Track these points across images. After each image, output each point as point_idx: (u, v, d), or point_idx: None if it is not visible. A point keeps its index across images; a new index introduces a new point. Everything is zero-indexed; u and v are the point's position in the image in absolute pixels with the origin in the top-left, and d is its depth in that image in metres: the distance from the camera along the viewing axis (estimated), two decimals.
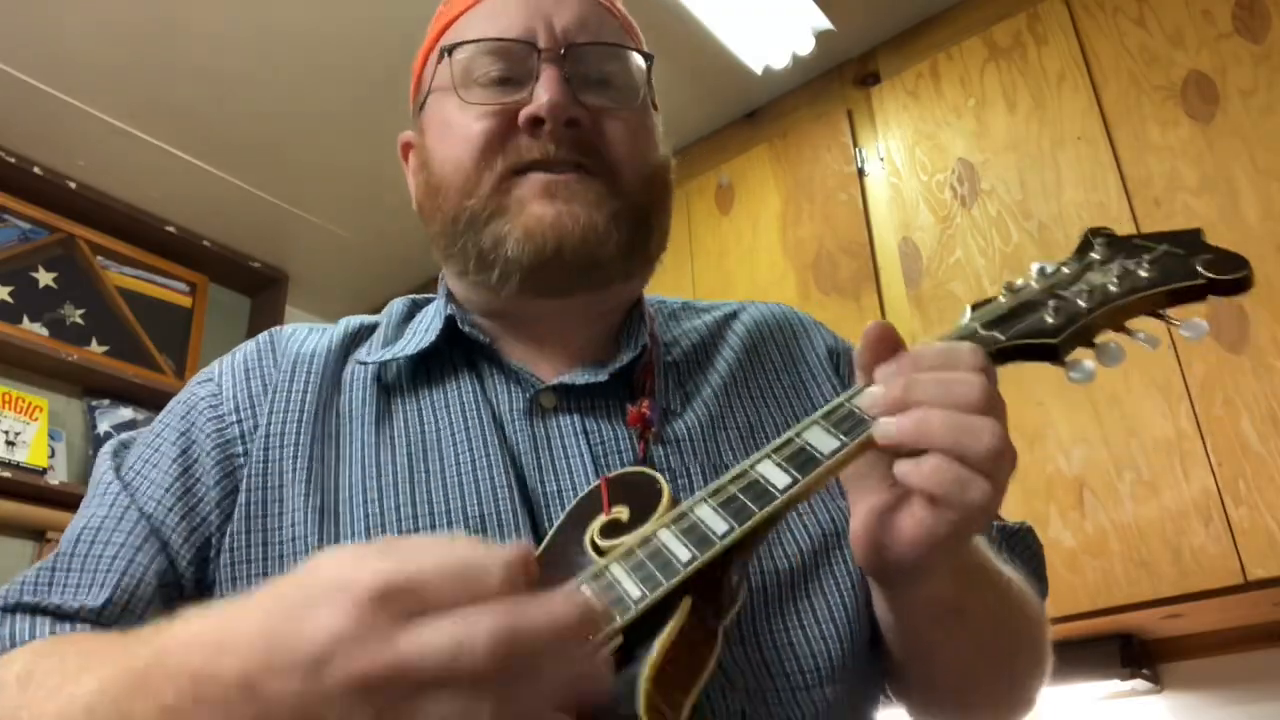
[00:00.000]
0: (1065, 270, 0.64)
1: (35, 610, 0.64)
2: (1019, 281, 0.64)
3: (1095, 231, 0.66)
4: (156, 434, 0.73)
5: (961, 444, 0.52)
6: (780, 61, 2.23)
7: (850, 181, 2.10)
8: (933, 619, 0.64)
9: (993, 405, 0.53)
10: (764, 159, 2.28)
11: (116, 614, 0.64)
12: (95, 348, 2.56)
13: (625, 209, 0.71)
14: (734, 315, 0.85)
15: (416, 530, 0.65)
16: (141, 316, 2.68)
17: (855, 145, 2.13)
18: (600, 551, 0.56)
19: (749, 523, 0.52)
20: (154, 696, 0.45)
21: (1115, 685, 1.68)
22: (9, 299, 2.44)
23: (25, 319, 2.45)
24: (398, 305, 0.84)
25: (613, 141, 0.72)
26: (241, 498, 0.68)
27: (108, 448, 0.75)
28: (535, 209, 0.69)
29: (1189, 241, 0.63)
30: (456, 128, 0.72)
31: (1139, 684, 1.69)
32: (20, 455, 2.30)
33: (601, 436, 0.70)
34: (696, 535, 0.53)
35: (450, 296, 0.78)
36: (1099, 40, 1.82)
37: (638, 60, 0.77)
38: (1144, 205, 1.67)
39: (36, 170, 2.48)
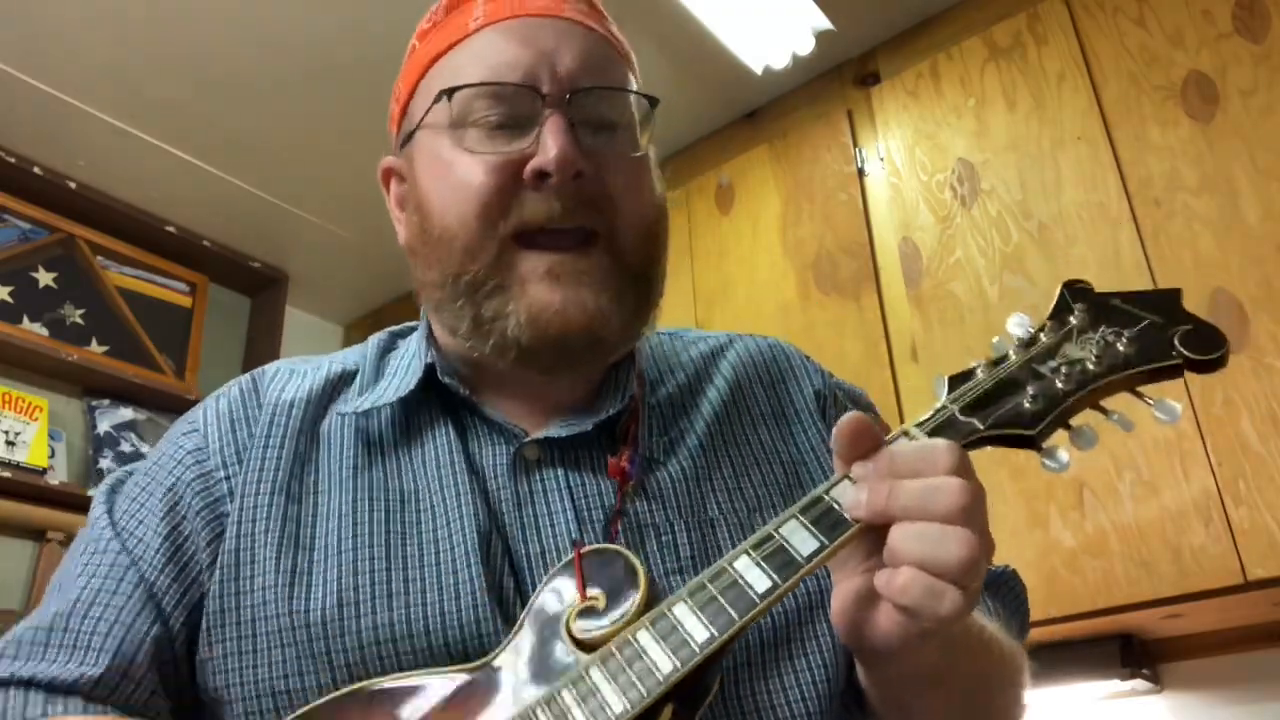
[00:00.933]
0: (1044, 339, 0.64)
1: (29, 685, 0.63)
2: (1000, 350, 0.64)
3: (1073, 289, 0.66)
4: (143, 488, 0.72)
5: (933, 557, 0.52)
6: (780, 61, 2.23)
7: (850, 181, 2.10)
8: (913, 688, 0.64)
9: (969, 511, 0.53)
10: (764, 159, 2.28)
11: (114, 682, 0.63)
12: (95, 348, 2.56)
13: (626, 280, 0.70)
14: (721, 351, 0.83)
15: (390, 594, 0.64)
16: (141, 316, 2.67)
17: (855, 145, 2.13)
18: (577, 641, 0.57)
19: (729, 631, 0.53)
20: None
21: (1115, 685, 1.68)
22: (9, 299, 2.44)
23: (25, 319, 2.45)
24: (373, 342, 0.82)
25: (614, 195, 0.70)
26: (220, 558, 0.67)
27: (102, 488, 0.74)
28: (541, 294, 0.67)
29: (1168, 309, 0.63)
30: (456, 176, 0.69)
31: (1139, 684, 1.69)
32: (20, 455, 2.30)
33: (585, 491, 0.69)
34: (676, 640, 0.53)
35: (432, 337, 0.77)
36: (1099, 40, 1.82)
37: (640, 100, 0.75)
38: (1144, 205, 1.67)
39: (36, 170, 2.48)
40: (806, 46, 2.19)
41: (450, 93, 0.70)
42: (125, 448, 2.52)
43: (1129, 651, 1.66)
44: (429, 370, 0.74)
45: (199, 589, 0.67)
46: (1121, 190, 1.70)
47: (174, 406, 2.60)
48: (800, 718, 0.65)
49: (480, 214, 0.68)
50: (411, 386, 0.73)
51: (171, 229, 2.73)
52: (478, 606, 0.63)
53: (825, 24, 2.14)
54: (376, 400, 0.74)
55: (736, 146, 2.37)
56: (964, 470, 0.55)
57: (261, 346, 2.90)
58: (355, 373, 0.79)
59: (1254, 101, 1.61)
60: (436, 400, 0.74)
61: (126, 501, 0.72)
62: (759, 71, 2.26)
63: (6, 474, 2.23)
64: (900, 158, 2.04)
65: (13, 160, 2.43)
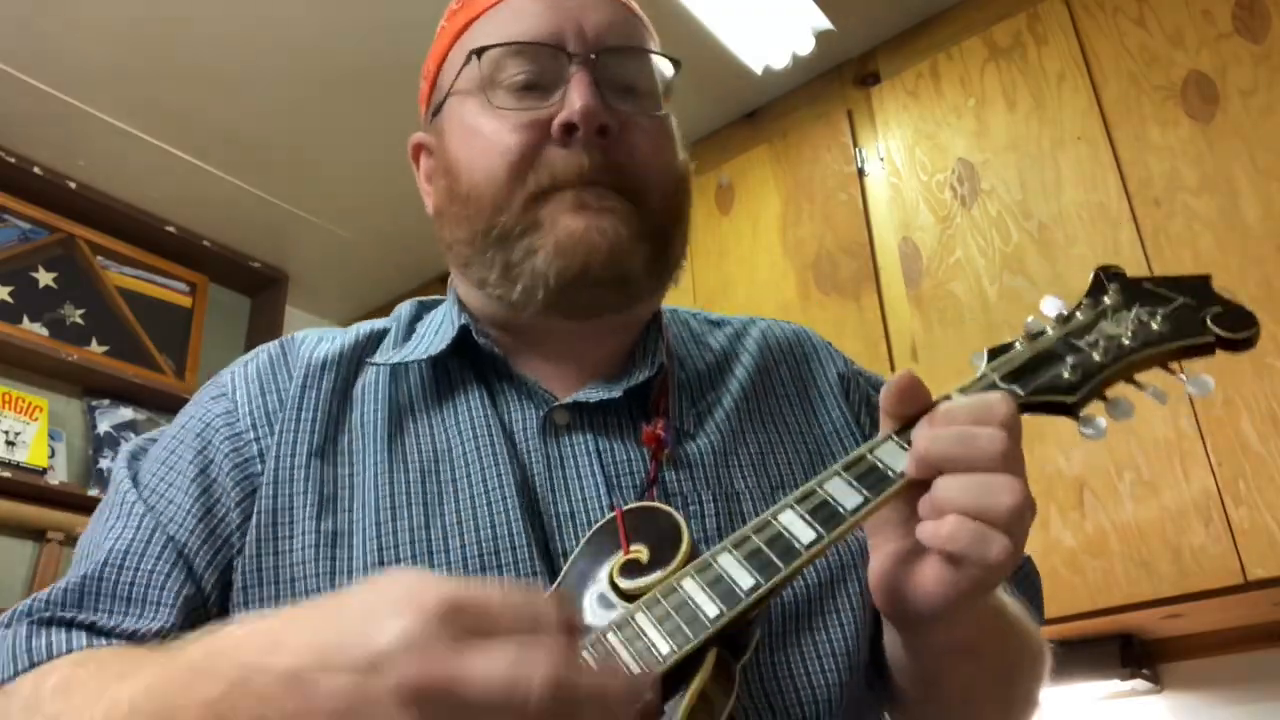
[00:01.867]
0: (1080, 316, 0.65)
1: (70, 624, 0.63)
2: (1036, 326, 0.65)
3: (1108, 272, 0.67)
4: (171, 450, 0.72)
5: (982, 503, 0.52)
6: (780, 61, 2.23)
7: (850, 181, 2.10)
8: (945, 659, 0.64)
9: (1013, 459, 0.54)
10: (764, 159, 2.28)
11: (147, 640, 0.63)
12: (95, 348, 2.56)
13: (650, 227, 0.71)
14: (746, 331, 0.84)
15: (430, 553, 0.64)
16: (141, 316, 2.68)
17: (855, 145, 2.13)
18: (621, 592, 0.57)
19: (775, 579, 0.53)
20: (199, 691, 0.46)
21: (1115, 685, 1.68)
22: (9, 299, 2.44)
23: (25, 319, 2.46)
24: (405, 308, 0.83)
25: (639, 153, 0.71)
26: (253, 519, 0.67)
27: (123, 455, 0.74)
28: (567, 222, 0.68)
29: (1200, 291, 0.64)
30: (486, 135, 0.71)
31: (1139, 684, 1.69)
32: (20, 455, 2.30)
33: (614, 457, 0.70)
34: (722, 588, 0.54)
35: (461, 305, 0.77)
36: (1099, 40, 1.82)
37: (662, 65, 0.77)
38: (1144, 205, 1.67)
39: (36, 170, 2.48)
40: (806, 46, 2.19)
41: (480, 52, 0.72)
42: (119, 452, 2.52)
43: (1129, 651, 1.66)
44: (463, 331, 0.74)
45: (230, 549, 0.67)
46: (1121, 190, 1.70)
47: (174, 406, 2.60)
48: (822, 688, 0.65)
49: (509, 170, 0.69)
50: (444, 345, 0.74)
51: (171, 229, 2.73)
52: (519, 561, 0.63)
53: (825, 24, 2.14)
54: (407, 355, 0.74)
55: (736, 146, 2.37)
56: (1014, 425, 0.55)
57: None
58: (386, 331, 0.80)
59: (1254, 101, 1.61)
60: (468, 363, 0.75)
61: (154, 464, 0.71)
62: (759, 71, 2.26)
63: (6, 474, 2.23)
64: (900, 158, 2.04)
65: (13, 160, 2.44)
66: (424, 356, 0.74)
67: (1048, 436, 1.63)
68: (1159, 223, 1.64)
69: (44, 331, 2.47)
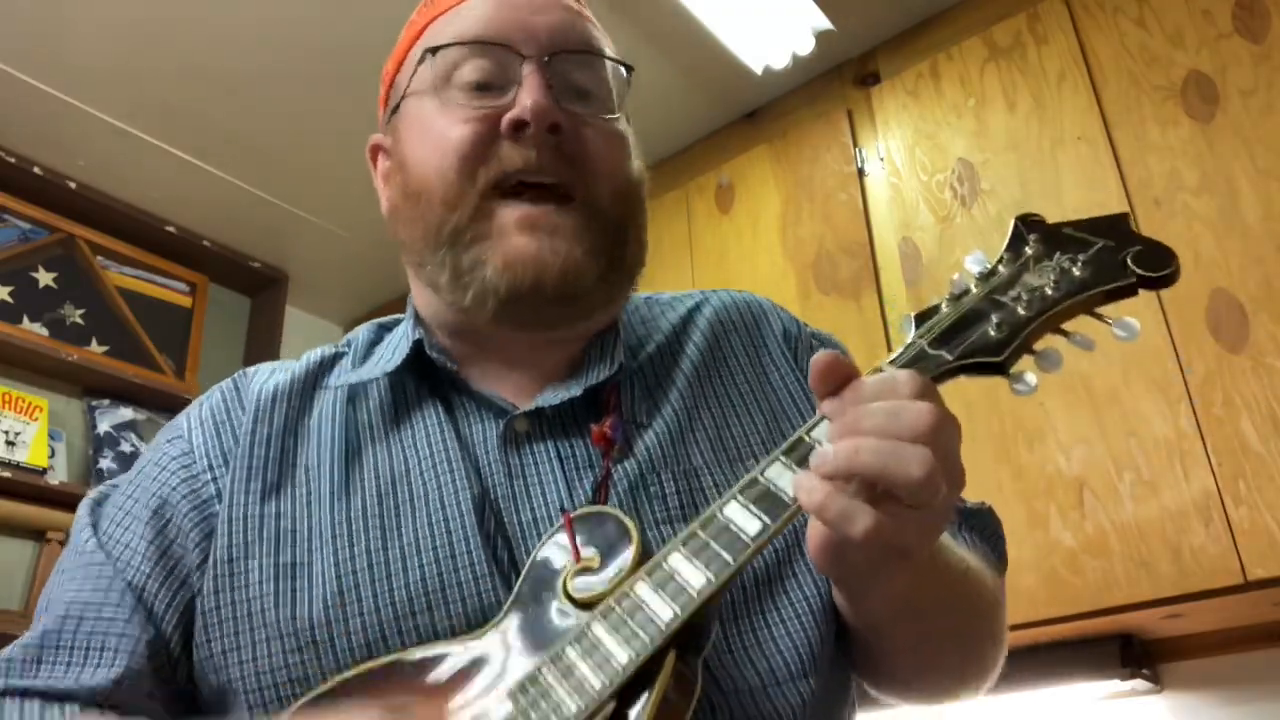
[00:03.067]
0: (1003, 270, 0.65)
1: (25, 694, 0.63)
2: (961, 284, 0.65)
3: (1027, 221, 0.67)
4: (129, 495, 0.72)
5: (889, 471, 0.52)
6: (780, 61, 2.23)
7: (850, 181, 2.10)
8: (890, 614, 0.65)
9: (932, 432, 0.53)
10: (764, 159, 2.28)
11: (111, 690, 0.63)
12: (95, 348, 2.56)
13: (602, 238, 0.71)
14: (697, 309, 0.84)
15: (388, 576, 0.64)
16: (141, 316, 2.67)
17: (855, 145, 2.13)
18: (575, 601, 0.57)
19: (725, 574, 0.53)
20: None
21: (1115, 685, 1.68)
22: (9, 299, 2.44)
23: (25, 319, 2.45)
24: (362, 332, 0.83)
25: (591, 153, 0.71)
26: (210, 558, 0.67)
27: (86, 502, 0.74)
28: (517, 242, 0.68)
29: (1119, 232, 0.64)
30: (437, 131, 0.71)
31: (1139, 684, 1.69)
32: (20, 455, 2.30)
33: (575, 459, 0.69)
34: (673, 588, 0.54)
35: (418, 318, 0.78)
36: (1099, 40, 1.82)
37: (616, 70, 0.77)
38: (1144, 205, 1.67)
39: (36, 170, 2.48)
40: (806, 46, 2.19)
41: (434, 51, 0.73)
42: (125, 448, 2.52)
43: (1129, 651, 1.66)
44: (416, 346, 0.74)
45: (189, 590, 0.68)
46: (1121, 190, 1.70)
47: (174, 406, 2.60)
48: (792, 651, 0.66)
49: (458, 166, 0.70)
50: (399, 361, 0.74)
51: (171, 229, 2.73)
52: (478, 578, 0.63)
53: (825, 24, 2.14)
54: (364, 375, 0.75)
55: (736, 146, 2.37)
56: (928, 394, 0.55)
57: (261, 346, 2.90)
58: (342, 355, 0.80)
59: (1254, 101, 1.61)
60: (424, 381, 0.75)
61: (112, 510, 0.72)
62: (759, 71, 2.26)
63: (6, 474, 2.23)
64: (900, 158, 2.04)
65: (13, 160, 2.44)
66: (379, 374, 0.74)
67: (1047, 437, 1.63)
68: (1159, 223, 1.64)
69: (44, 331, 2.47)
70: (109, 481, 0.77)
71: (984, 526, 0.81)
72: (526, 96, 0.69)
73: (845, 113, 2.18)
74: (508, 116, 0.69)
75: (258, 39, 2.16)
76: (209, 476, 0.71)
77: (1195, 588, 1.45)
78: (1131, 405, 1.57)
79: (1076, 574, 1.54)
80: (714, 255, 2.27)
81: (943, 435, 0.54)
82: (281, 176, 2.60)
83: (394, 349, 0.77)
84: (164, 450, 0.74)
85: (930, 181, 1.97)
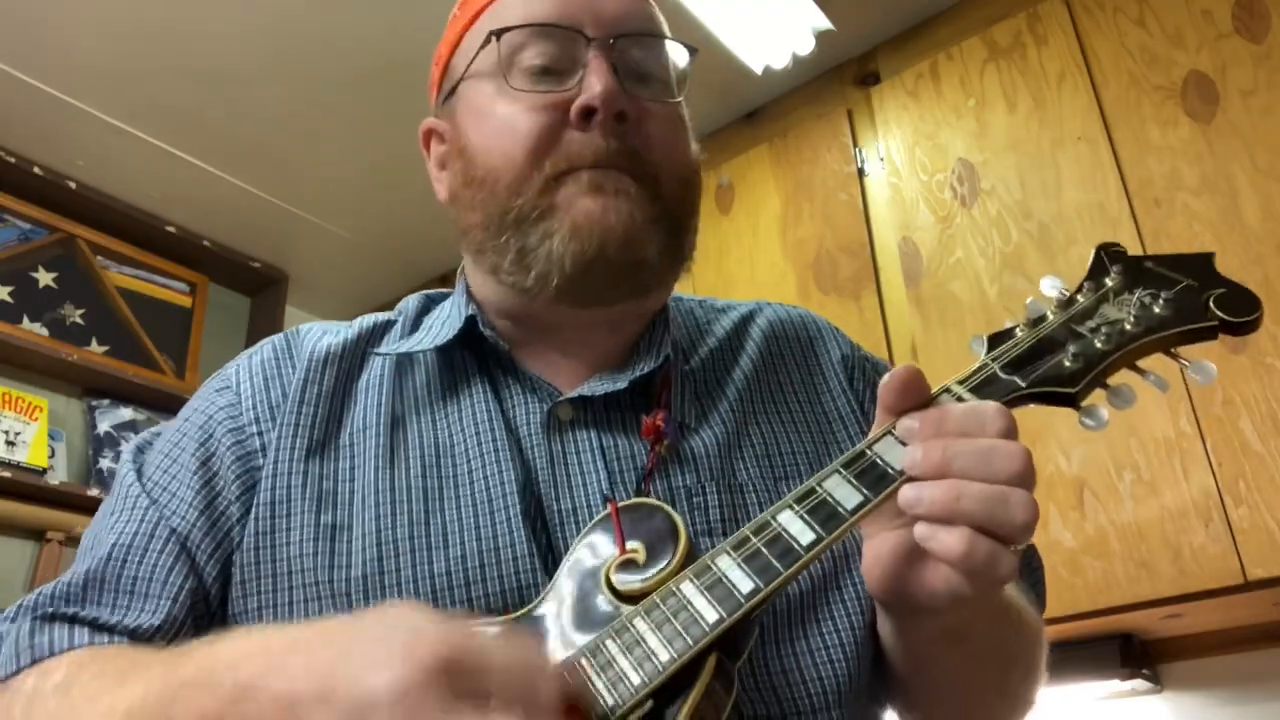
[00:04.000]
0: (1081, 300, 0.64)
1: (73, 620, 0.63)
2: (1036, 310, 0.64)
3: (1109, 251, 0.66)
4: (175, 444, 0.72)
5: (996, 519, 0.51)
6: (780, 61, 2.23)
7: (850, 181, 2.10)
8: (938, 644, 0.64)
9: (1027, 476, 0.53)
10: (764, 159, 2.28)
11: (152, 635, 0.63)
12: (95, 348, 2.56)
13: (664, 214, 0.70)
14: (751, 318, 0.84)
15: (429, 548, 0.64)
16: (141, 316, 2.67)
17: (855, 145, 2.13)
18: (617, 593, 0.56)
19: (774, 583, 0.52)
20: (194, 704, 0.46)
21: (1115, 685, 1.68)
22: (9, 299, 2.44)
23: (25, 319, 2.45)
24: (412, 301, 0.83)
25: (655, 140, 0.71)
26: (252, 513, 0.67)
27: (129, 449, 0.74)
28: (584, 203, 0.67)
29: (1202, 272, 0.63)
30: (503, 118, 0.70)
31: (1139, 684, 1.69)
32: (20, 455, 2.30)
33: (618, 452, 0.69)
34: (721, 592, 0.53)
35: (470, 295, 0.77)
36: (1099, 40, 1.82)
37: (677, 54, 0.77)
38: (1144, 205, 1.67)
39: (36, 170, 2.48)
40: (806, 46, 2.19)
41: (499, 34, 0.71)
42: (125, 448, 2.52)
43: (1129, 651, 1.66)
44: (469, 322, 0.74)
45: (231, 542, 0.67)
46: (1121, 190, 1.70)
47: (174, 406, 2.59)
48: (830, 678, 0.65)
49: (526, 153, 0.69)
50: (451, 335, 0.73)
51: (171, 229, 2.73)
52: (518, 559, 0.63)
53: (825, 24, 2.14)
54: (414, 345, 0.75)
55: (736, 146, 2.37)
56: (1015, 433, 0.55)
57: None
58: (392, 323, 0.80)
59: (1254, 101, 1.61)
60: (472, 356, 0.75)
61: (158, 457, 0.71)
62: (759, 71, 2.26)
63: (6, 474, 2.23)
64: (900, 158, 2.04)
65: (13, 160, 2.43)
66: (430, 346, 0.74)
67: (1048, 436, 1.63)
68: (1159, 223, 1.64)
69: (44, 331, 2.47)
70: (151, 430, 0.77)
71: (1024, 564, 0.80)
72: (595, 82, 0.68)
73: (845, 113, 2.18)
74: (577, 104, 0.68)
75: (258, 39, 2.16)
76: (255, 430, 0.71)
77: (1195, 588, 1.45)
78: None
79: (1076, 574, 1.54)
80: (714, 255, 2.27)
81: (1034, 476, 0.53)
82: (281, 176, 2.60)
83: (445, 322, 0.76)
84: (212, 400, 0.74)
85: (930, 181, 1.97)
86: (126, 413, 2.59)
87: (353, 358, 0.76)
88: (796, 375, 0.80)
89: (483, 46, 0.73)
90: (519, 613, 0.59)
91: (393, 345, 0.76)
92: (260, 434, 0.70)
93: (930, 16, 2.15)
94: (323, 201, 2.70)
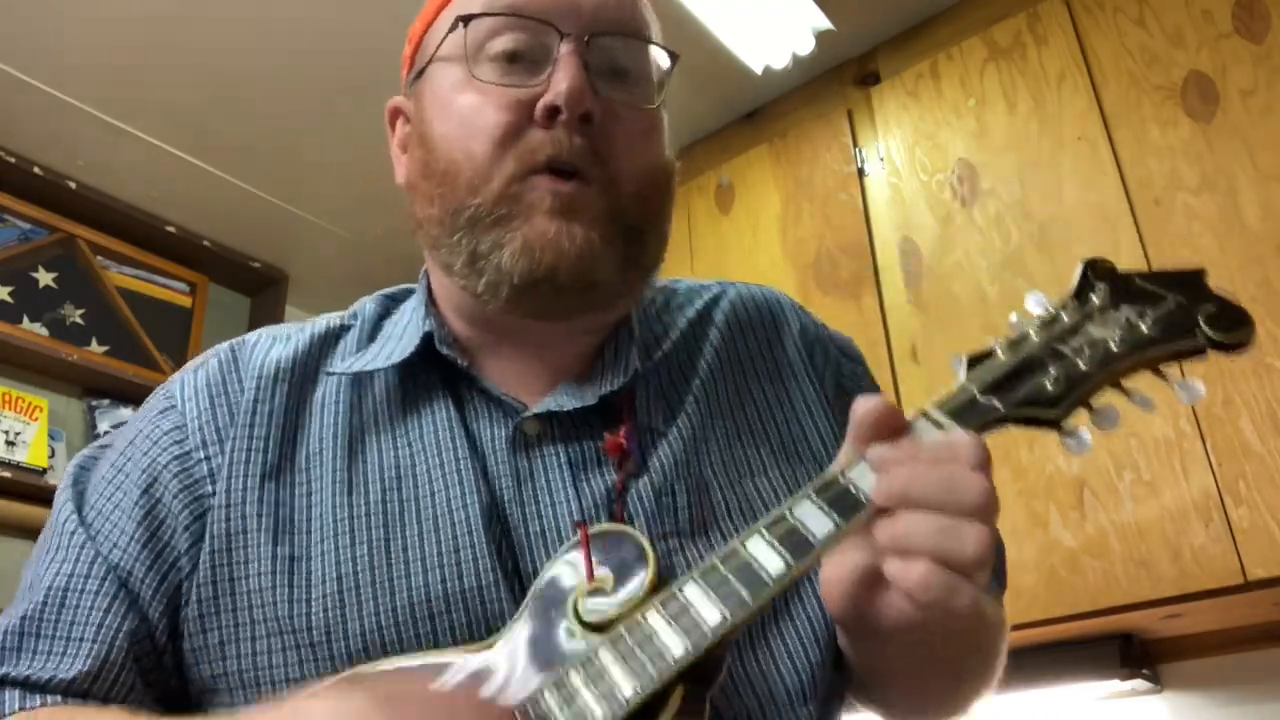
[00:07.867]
0: (1065, 318, 0.62)
1: (4, 682, 0.62)
2: (1019, 327, 0.62)
3: (1095, 268, 0.64)
4: (118, 469, 0.69)
5: (949, 550, 0.51)
6: (780, 61, 2.23)
7: (850, 181, 2.10)
8: (895, 659, 0.64)
9: (988, 510, 0.52)
10: (764, 159, 2.28)
11: (90, 681, 0.62)
12: (95, 348, 2.56)
13: (622, 231, 0.68)
14: (715, 303, 0.81)
15: (390, 579, 0.62)
16: (141, 316, 2.67)
17: (855, 145, 2.13)
18: (584, 623, 0.55)
19: (742, 615, 0.51)
20: None
21: (1115, 685, 1.68)
22: (9, 299, 2.44)
23: (25, 319, 2.45)
24: (369, 305, 0.80)
25: (621, 145, 0.68)
26: (205, 544, 0.65)
27: (69, 469, 0.71)
28: (540, 224, 0.65)
29: (1192, 288, 0.61)
30: (467, 111, 0.68)
31: (1139, 684, 1.69)
32: (20, 455, 2.30)
33: (586, 470, 0.67)
34: (687, 622, 0.51)
35: (431, 298, 0.75)
36: (1099, 40, 1.82)
37: (659, 56, 0.74)
38: (1144, 205, 1.67)
39: (36, 170, 2.48)
40: (806, 46, 2.19)
41: (467, 19, 0.69)
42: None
43: (1129, 651, 1.66)
44: (427, 339, 0.71)
45: (178, 573, 0.65)
46: (1121, 190, 1.70)
47: None
48: (805, 671, 0.65)
49: (487, 149, 0.67)
50: (409, 352, 0.70)
51: (171, 229, 2.72)
52: (484, 588, 0.61)
53: (825, 24, 2.14)
54: (370, 363, 0.71)
55: (736, 146, 2.37)
56: (987, 465, 0.54)
57: None
58: (347, 329, 0.77)
59: (1254, 101, 1.61)
60: (434, 370, 0.71)
61: (101, 485, 0.69)
62: (759, 71, 2.26)
63: (6, 474, 2.23)
64: (900, 158, 2.04)
65: (13, 160, 2.43)
66: (385, 365, 0.71)
67: (1048, 436, 1.63)
68: (1159, 223, 1.64)
69: (44, 331, 2.47)
70: (97, 443, 0.74)
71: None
72: (562, 80, 0.65)
73: (845, 113, 2.18)
74: (541, 102, 0.66)
75: (258, 39, 2.16)
76: (202, 455, 0.68)
77: (1195, 588, 1.45)
78: (1131, 405, 1.57)
79: (1076, 574, 1.54)
80: (714, 255, 2.27)
81: (995, 510, 0.52)
82: (281, 176, 2.60)
83: (403, 333, 0.73)
84: (155, 423, 0.70)
85: (930, 181, 1.97)
86: (126, 413, 2.59)
87: (304, 371, 0.72)
88: (760, 361, 0.78)
89: (451, 30, 0.70)
90: (483, 643, 0.58)
91: (346, 363, 0.72)
92: (208, 459, 0.68)
93: (930, 16, 2.15)
94: (323, 201, 2.70)
